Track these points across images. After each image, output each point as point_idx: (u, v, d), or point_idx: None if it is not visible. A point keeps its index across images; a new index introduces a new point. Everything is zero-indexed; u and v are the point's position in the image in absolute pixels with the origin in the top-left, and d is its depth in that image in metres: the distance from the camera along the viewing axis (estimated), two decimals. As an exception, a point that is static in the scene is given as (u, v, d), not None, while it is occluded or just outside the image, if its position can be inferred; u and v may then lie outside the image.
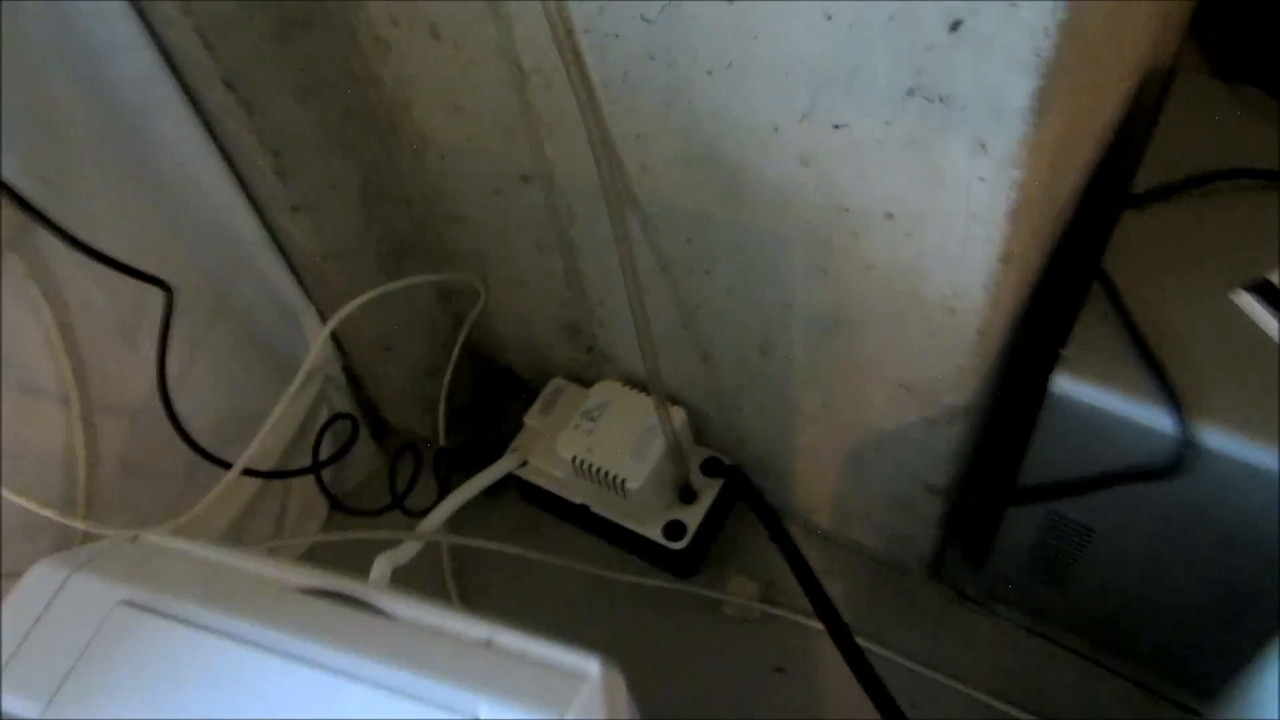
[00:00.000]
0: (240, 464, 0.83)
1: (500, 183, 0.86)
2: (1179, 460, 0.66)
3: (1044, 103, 0.51)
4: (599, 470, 0.94)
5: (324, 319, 1.01)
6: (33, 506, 0.74)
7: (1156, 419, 0.66)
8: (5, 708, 0.47)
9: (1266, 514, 0.65)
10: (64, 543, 0.85)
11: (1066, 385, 0.69)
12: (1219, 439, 0.65)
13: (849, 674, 0.94)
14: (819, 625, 0.98)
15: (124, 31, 0.72)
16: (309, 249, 0.90)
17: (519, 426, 1.09)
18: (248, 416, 1.01)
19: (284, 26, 0.75)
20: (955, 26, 0.50)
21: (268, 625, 0.48)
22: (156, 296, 0.80)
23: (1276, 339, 0.68)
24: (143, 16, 0.72)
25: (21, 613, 0.50)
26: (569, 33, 0.64)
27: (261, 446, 0.94)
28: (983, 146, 0.55)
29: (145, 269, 0.81)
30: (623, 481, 0.93)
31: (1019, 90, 0.51)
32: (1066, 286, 0.73)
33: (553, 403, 1.07)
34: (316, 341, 0.96)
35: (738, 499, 1.04)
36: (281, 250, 0.93)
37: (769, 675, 0.97)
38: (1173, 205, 0.76)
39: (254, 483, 1.02)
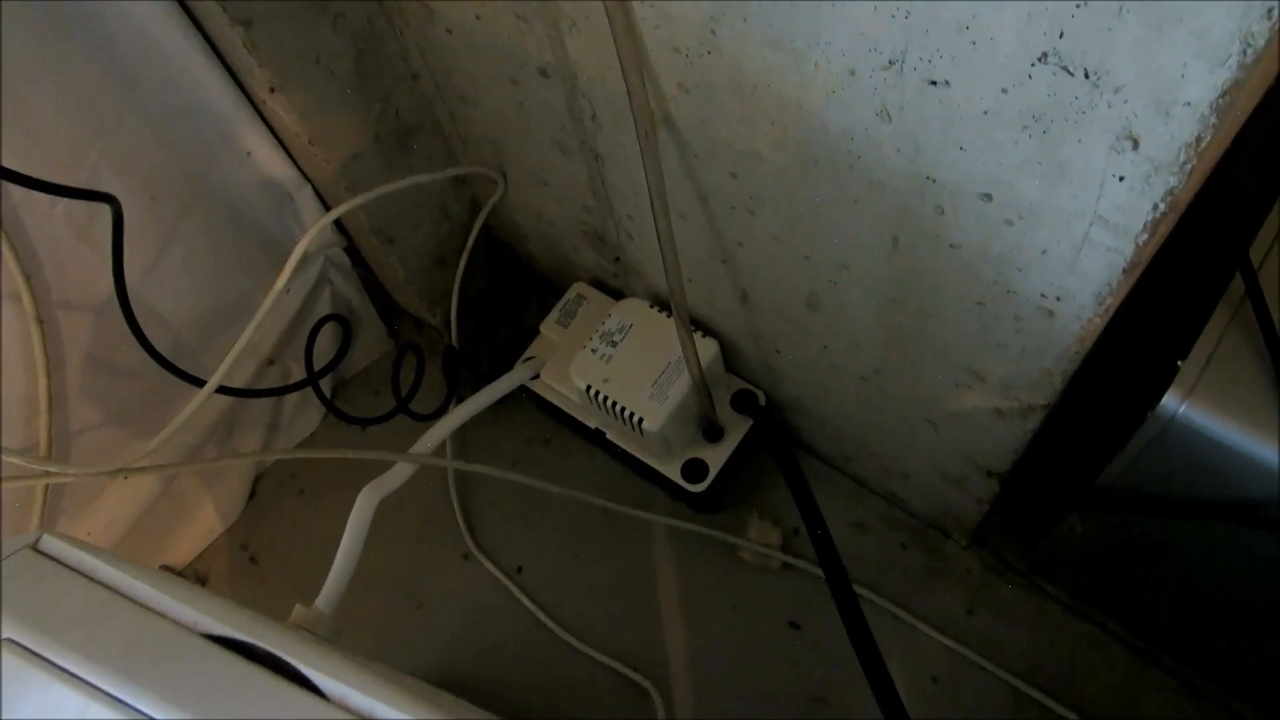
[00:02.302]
0: (213, 382, 0.74)
1: (515, 72, 0.71)
2: (1301, 517, 0.54)
3: (1232, 100, 0.37)
4: (614, 405, 0.84)
5: (324, 200, 0.89)
6: None
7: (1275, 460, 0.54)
8: None
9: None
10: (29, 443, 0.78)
11: (1178, 407, 0.56)
12: (1361, 501, 0.52)
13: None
14: (843, 584, 0.90)
15: None
16: (294, 132, 0.77)
17: (536, 327, 0.98)
18: (235, 307, 0.92)
19: None
20: (1124, -14, 0.35)
21: (158, 694, 0.40)
22: (122, 182, 0.70)
23: None
24: None
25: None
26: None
27: (249, 341, 0.85)
28: (1133, 142, 0.40)
29: (95, 155, 0.70)
30: (639, 420, 0.83)
31: (1203, 82, 0.36)
32: (1195, 281, 0.59)
33: (573, 312, 0.96)
34: (307, 235, 0.85)
35: (764, 438, 0.93)
36: (268, 125, 0.81)
37: (782, 629, 0.90)
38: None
39: (240, 381, 0.93)
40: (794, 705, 0.87)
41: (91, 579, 0.45)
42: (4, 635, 0.42)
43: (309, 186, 0.88)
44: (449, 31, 0.73)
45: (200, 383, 0.76)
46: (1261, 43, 0.33)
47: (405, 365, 0.94)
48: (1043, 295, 0.53)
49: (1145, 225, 0.44)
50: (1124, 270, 0.48)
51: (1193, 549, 0.66)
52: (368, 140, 0.82)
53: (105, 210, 0.68)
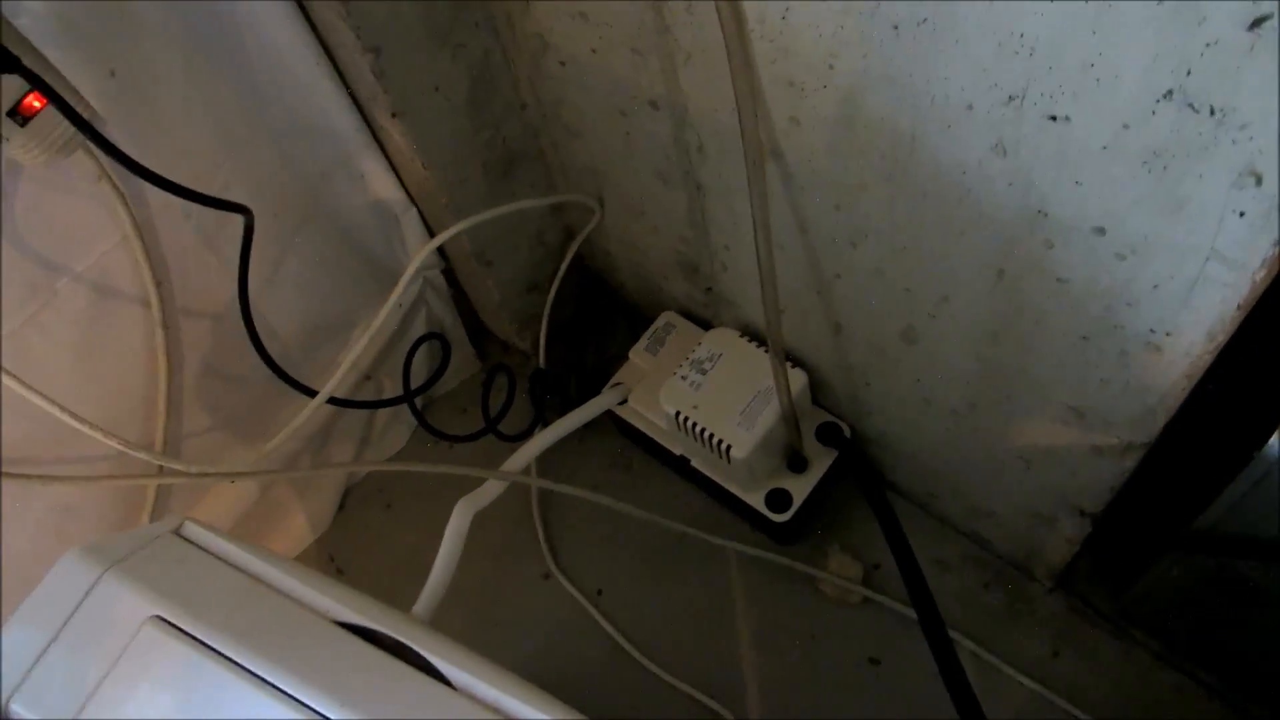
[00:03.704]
0: (325, 392, 0.78)
1: (625, 104, 0.74)
2: None
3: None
4: (703, 431, 0.85)
5: (426, 222, 0.93)
6: (114, 444, 0.70)
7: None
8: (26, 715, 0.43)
9: None
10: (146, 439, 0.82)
11: (1286, 451, 0.56)
12: None
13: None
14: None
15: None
16: (409, 158, 0.81)
17: (623, 353, 1.00)
18: (337, 323, 0.96)
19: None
20: (1257, 23, 0.36)
21: (298, 674, 0.42)
22: (242, 184, 0.74)
23: None
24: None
25: (49, 610, 0.45)
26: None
27: (350, 358, 0.88)
28: (1256, 179, 0.41)
29: (227, 168, 0.74)
30: (728, 448, 0.84)
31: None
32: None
33: (661, 340, 0.98)
34: (420, 254, 0.88)
35: (849, 471, 0.94)
36: (383, 149, 0.85)
37: (862, 665, 0.90)
38: None
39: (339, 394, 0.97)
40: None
41: (231, 564, 0.47)
42: (152, 613, 0.44)
43: (414, 210, 0.92)
44: (562, 64, 0.76)
45: (311, 393, 0.80)
46: (1397, 82, 0.34)
47: (494, 386, 0.96)
48: (1151, 331, 0.53)
49: (1264, 261, 0.44)
50: (1238, 307, 0.48)
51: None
52: (475, 166, 0.86)
53: (232, 221, 0.73)
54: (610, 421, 1.00)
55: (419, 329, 1.02)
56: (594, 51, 0.71)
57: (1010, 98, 0.47)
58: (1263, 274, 0.45)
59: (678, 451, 0.94)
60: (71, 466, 0.79)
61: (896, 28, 0.48)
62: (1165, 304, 0.51)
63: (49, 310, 0.71)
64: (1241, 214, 0.43)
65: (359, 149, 0.84)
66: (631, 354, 0.98)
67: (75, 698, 0.43)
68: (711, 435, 0.85)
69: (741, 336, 0.89)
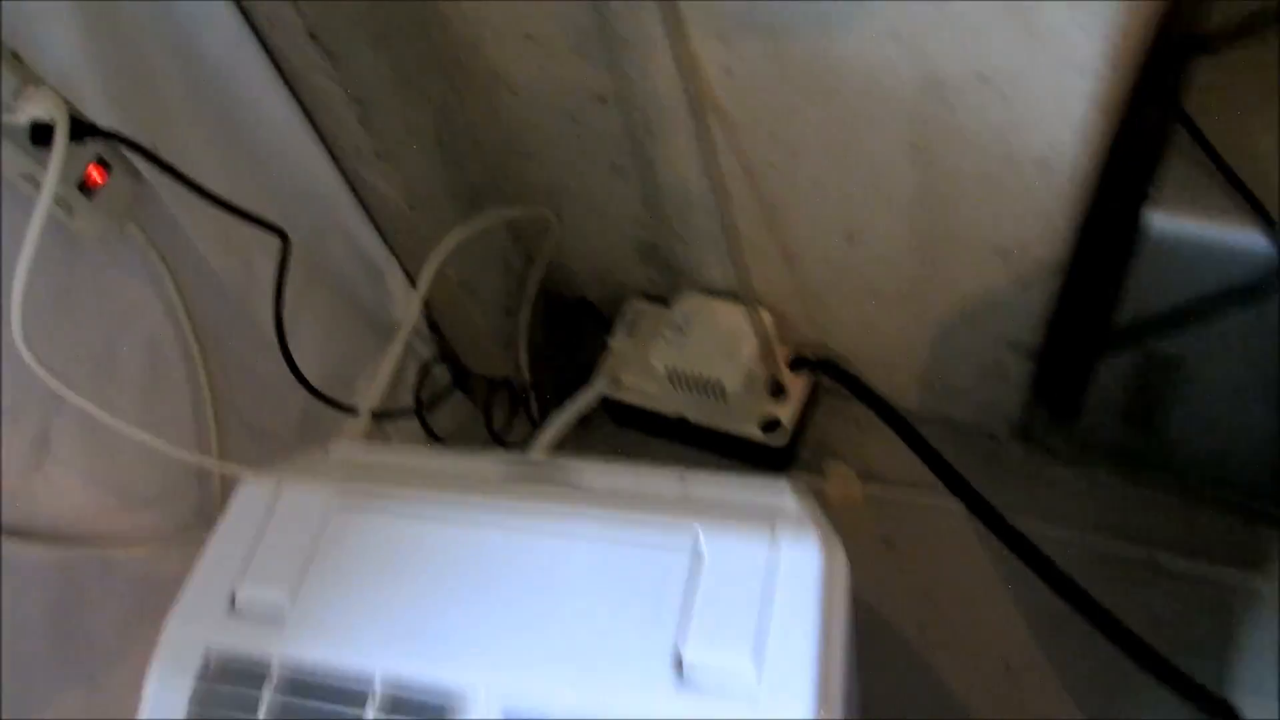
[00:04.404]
0: (366, 407, 0.87)
1: (575, 108, 0.88)
2: (1275, 277, 0.69)
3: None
4: (695, 376, 0.98)
5: (407, 272, 1.04)
6: (184, 455, 0.78)
7: (1248, 240, 0.69)
8: (252, 600, 0.51)
9: (1367, 317, 0.69)
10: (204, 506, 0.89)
11: (1158, 221, 0.72)
12: (1314, 251, 0.68)
13: (953, 537, 1.00)
14: (920, 499, 1.03)
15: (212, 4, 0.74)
16: (393, 198, 0.93)
17: (595, 357, 1.12)
18: (344, 374, 1.05)
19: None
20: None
21: (482, 502, 0.52)
22: (265, 255, 0.84)
23: (1358, 153, 0.71)
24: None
25: (244, 521, 0.54)
26: (654, -61, 0.66)
27: (363, 399, 0.98)
28: (1082, -9, 0.57)
29: (247, 233, 0.85)
30: (720, 383, 0.97)
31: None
32: (1150, 132, 0.76)
33: (635, 324, 1.11)
34: (412, 298, 0.99)
35: (824, 388, 1.07)
36: (364, 207, 0.96)
37: (878, 547, 1.02)
38: (1241, 46, 0.78)
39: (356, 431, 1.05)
40: (906, 607, 0.98)
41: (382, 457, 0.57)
42: (335, 498, 0.53)
43: (395, 261, 1.03)
44: (514, 93, 0.90)
45: (350, 409, 0.89)
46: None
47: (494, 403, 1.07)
48: (1039, 151, 0.69)
49: (1107, 60, 0.61)
50: (1099, 110, 0.64)
51: (1205, 357, 0.80)
52: (446, 203, 0.98)
53: (254, 273, 0.83)
54: (605, 413, 1.11)
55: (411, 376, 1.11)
56: (541, 68, 0.85)
57: (896, -12, 0.63)
58: (1108, 72, 0.62)
59: (673, 413, 1.05)
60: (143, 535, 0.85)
61: (799, -41, 0.64)
62: (1045, 124, 0.67)
63: (112, 384, 0.79)
64: (1082, 26, 0.59)
65: (343, 207, 0.95)
66: (611, 342, 1.10)
67: (291, 576, 0.51)
68: (704, 377, 0.97)
69: (707, 296, 1.03)
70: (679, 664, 0.44)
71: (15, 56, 0.60)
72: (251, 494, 0.55)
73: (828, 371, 1.04)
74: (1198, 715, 0.83)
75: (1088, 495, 1.00)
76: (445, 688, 0.47)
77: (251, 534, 0.53)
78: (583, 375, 1.13)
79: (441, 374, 1.06)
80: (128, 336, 0.78)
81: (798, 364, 1.05)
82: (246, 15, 0.76)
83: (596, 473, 0.55)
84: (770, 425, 1.02)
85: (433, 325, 1.14)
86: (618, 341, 1.10)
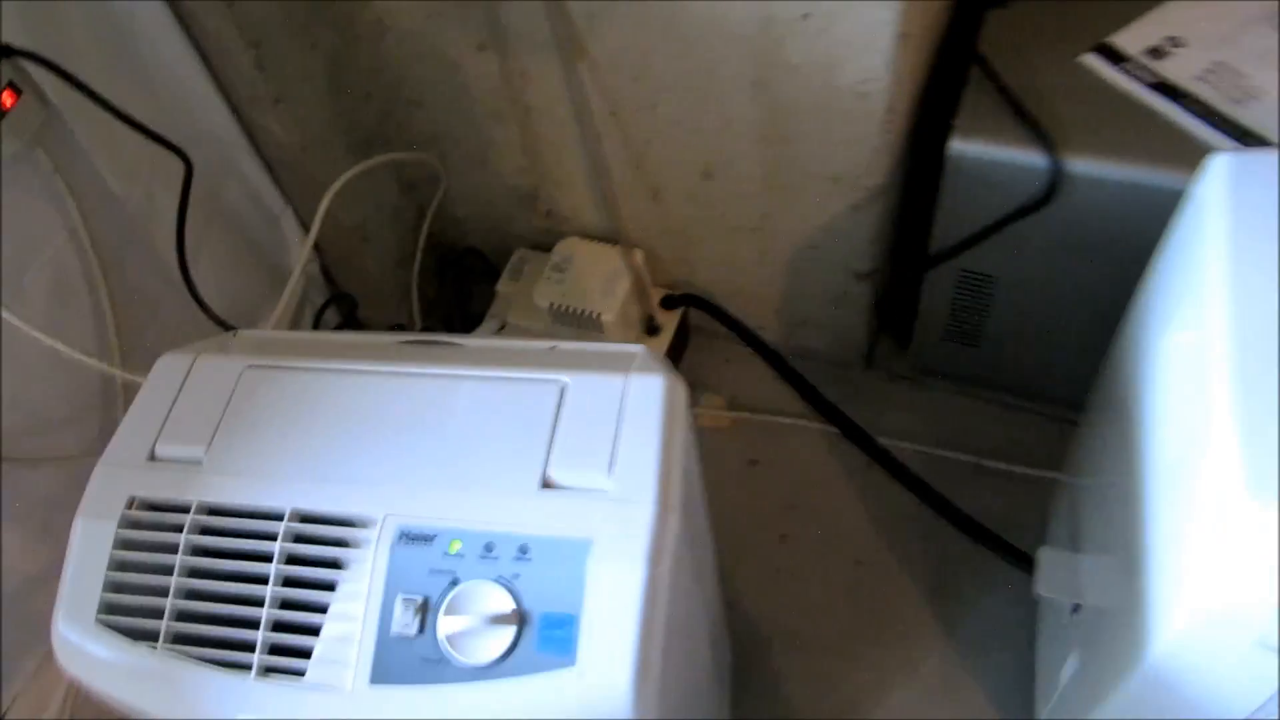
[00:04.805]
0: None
1: (456, 55, 0.96)
2: (1054, 187, 0.82)
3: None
4: (575, 310, 1.07)
5: (300, 218, 1.10)
6: (91, 362, 0.82)
7: (1033, 159, 0.82)
8: (169, 453, 0.57)
9: (1126, 221, 0.82)
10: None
11: (960, 147, 0.84)
12: (1081, 165, 0.81)
13: (811, 454, 1.12)
14: (781, 420, 1.15)
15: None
16: (288, 142, 0.99)
17: (486, 305, 1.20)
18: (242, 315, 1.10)
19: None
20: None
21: (377, 362, 0.59)
22: (166, 187, 0.89)
23: (1116, 86, 0.84)
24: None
25: (162, 388, 0.60)
26: (520, -109, 0.75)
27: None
28: (876, -65, 0.69)
29: (150, 163, 0.90)
30: (598, 315, 1.06)
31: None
32: (952, 74, 0.88)
33: (520, 270, 1.19)
34: (305, 239, 1.05)
35: (696, 327, 1.18)
36: (259, 152, 1.02)
37: (745, 467, 1.13)
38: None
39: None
40: (769, 519, 1.09)
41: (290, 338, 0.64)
42: (245, 364, 0.60)
43: (290, 209, 1.09)
44: (400, 43, 0.97)
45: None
46: None
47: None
48: (857, 81, 0.81)
49: (900, -8, 0.72)
50: (899, 38, 0.76)
51: (1010, 270, 0.94)
52: (340, 148, 1.04)
53: (156, 203, 0.88)
54: (493, 354, 1.19)
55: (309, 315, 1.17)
56: (427, 18, 0.93)
57: (728, -66, 0.73)
58: (901, 4, 0.73)
59: (558, 348, 1.14)
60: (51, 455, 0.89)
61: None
62: (858, 55, 0.78)
63: (18, 302, 0.83)
64: (878, -34, 0.71)
65: (240, 153, 1.01)
66: (498, 287, 1.18)
67: (205, 431, 0.58)
68: (583, 310, 1.06)
69: (584, 240, 1.12)
70: (545, 480, 0.53)
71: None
72: (169, 364, 0.61)
73: (697, 306, 1.14)
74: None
75: (926, 410, 1.13)
76: (347, 516, 0.54)
77: (169, 398, 0.59)
78: (474, 322, 1.21)
79: (335, 319, 1.12)
80: (34, 258, 0.83)
81: (670, 302, 1.15)
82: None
83: (479, 342, 0.63)
84: (645, 356, 1.12)
85: (327, 273, 1.20)
86: (504, 286, 1.18)
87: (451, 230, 1.25)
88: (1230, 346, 0.51)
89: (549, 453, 0.53)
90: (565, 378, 0.56)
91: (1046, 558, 0.75)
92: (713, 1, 0.79)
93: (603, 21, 0.85)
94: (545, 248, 1.20)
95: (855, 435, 1.10)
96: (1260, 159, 0.59)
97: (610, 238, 1.10)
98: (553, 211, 1.14)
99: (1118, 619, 0.62)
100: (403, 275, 1.22)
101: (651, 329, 1.14)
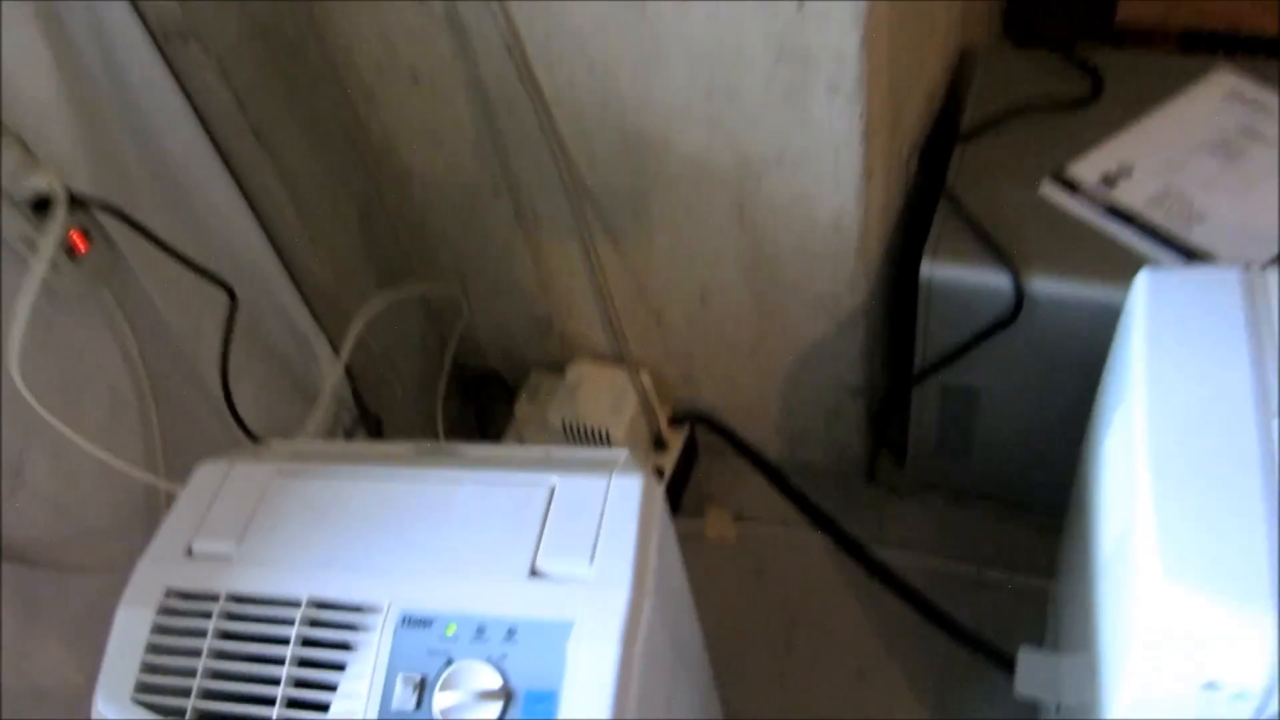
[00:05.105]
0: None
1: (473, 199, 1.07)
2: (1019, 306, 0.89)
3: (870, 50, 0.75)
4: (586, 428, 1.14)
5: (332, 343, 1.20)
6: (140, 474, 0.90)
7: (999, 280, 0.89)
8: (204, 549, 0.64)
9: (1087, 336, 0.88)
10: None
11: (930, 270, 0.92)
12: (1042, 285, 0.88)
13: (815, 566, 1.16)
14: (785, 532, 1.19)
15: (172, 103, 0.92)
16: (323, 275, 1.09)
17: (505, 424, 1.27)
18: (278, 434, 1.18)
19: (291, 88, 0.96)
20: (801, 6, 0.74)
21: (389, 466, 0.66)
22: (212, 321, 0.99)
23: (1073, 212, 0.92)
24: (184, 86, 0.91)
25: (201, 491, 0.67)
26: (524, 57, 0.86)
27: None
28: (834, 89, 0.78)
29: (202, 298, 1.00)
30: (607, 432, 1.13)
31: (851, 42, 0.75)
32: (925, 207, 0.97)
33: (536, 391, 1.27)
34: (336, 363, 1.14)
35: (704, 444, 1.24)
36: (296, 285, 1.12)
37: (751, 578, 1.16)
38: (990, 136, 1.01)
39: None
40: (773, 628, 1.12)
41: (318, 449, 0.71)
42: (277, 471, 0.67)
43: (324, 336, 1.18)
44: (424, 186, 1.08)
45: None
46: (866, 16, 0.72)
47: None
48: (831, 214, 0.89)
49: (860, 138, 0.81)
50: (863, 176, 0.85)
51: (990, 383, 0.99)
52: (370, 280, 1.15)
53: (204, 338, 0.97)
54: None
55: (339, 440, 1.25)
56: (447, 167, 1.04)
57: (707, 91, 0.83)
58: (862, 147, 0.82)
59: (570, 464, 1.20)
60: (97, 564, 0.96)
61: (634, 71, 0.84)
62: (829, 191, 0.87)
63: (78, 422, 0.92)
64: (839, 112, 0.80)
65: (279, 287, 1.11)
66: (516, 408, 1.26)
67: (237, 528, 0.65)
68: (593, 428, 1.13)
69: (594, 363, 1.20)
70: (533, 569, 0.59)
71: (20, 141, 0.77)
72: (207, 471, 0.69)
73: (701, 423, 1.20)
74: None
75: (925, 522, 1.17)
76: (357, 603, 0.60)
77: (207, 500, 0.67)
78: (494, 440, 1.28)
79: (363, 439, 1.20)
80: (92, 382, 0.92)
81: (677, 420, 1.22)
82: (201, 116, 0.94)
83: (480, 448, 0.70)
84: (654, 472, 1.18)
85: (357, 396, 1.28)
86: (521, 408, 1.26)
87: (473, 355, 1.34)
88: (1149, 447, 0.56)
89: (538, 545, 0.59)
90: (555, 479, 0.63)
91: (1025, 658, 0.79)
92: (696, 144, 0.88)
93: (602, 167, 0.95)
94: (560, 370, 1.28)
95: (853, 549, 1.14)
96: (1182, 275, 0.66)
97: (619, 359, 1.18)
98: (565, 337, 1.22)
99: (1088, 713, 0.66)
100: (428, 398, 1.30)
101: (659, 444, 1.20)
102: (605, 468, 0.63)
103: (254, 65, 0.91)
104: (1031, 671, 0.77)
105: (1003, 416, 1.03)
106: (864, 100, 0.78)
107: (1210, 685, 0.51)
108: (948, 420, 1.06)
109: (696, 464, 1.26)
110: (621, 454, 0.65)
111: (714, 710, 0.86)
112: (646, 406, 1.16)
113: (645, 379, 1.17)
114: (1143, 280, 0.65)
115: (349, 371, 1.25)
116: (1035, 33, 1.15)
